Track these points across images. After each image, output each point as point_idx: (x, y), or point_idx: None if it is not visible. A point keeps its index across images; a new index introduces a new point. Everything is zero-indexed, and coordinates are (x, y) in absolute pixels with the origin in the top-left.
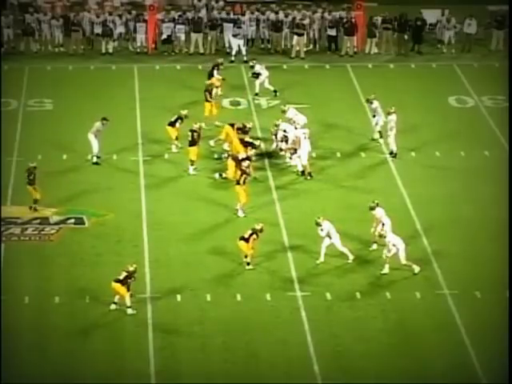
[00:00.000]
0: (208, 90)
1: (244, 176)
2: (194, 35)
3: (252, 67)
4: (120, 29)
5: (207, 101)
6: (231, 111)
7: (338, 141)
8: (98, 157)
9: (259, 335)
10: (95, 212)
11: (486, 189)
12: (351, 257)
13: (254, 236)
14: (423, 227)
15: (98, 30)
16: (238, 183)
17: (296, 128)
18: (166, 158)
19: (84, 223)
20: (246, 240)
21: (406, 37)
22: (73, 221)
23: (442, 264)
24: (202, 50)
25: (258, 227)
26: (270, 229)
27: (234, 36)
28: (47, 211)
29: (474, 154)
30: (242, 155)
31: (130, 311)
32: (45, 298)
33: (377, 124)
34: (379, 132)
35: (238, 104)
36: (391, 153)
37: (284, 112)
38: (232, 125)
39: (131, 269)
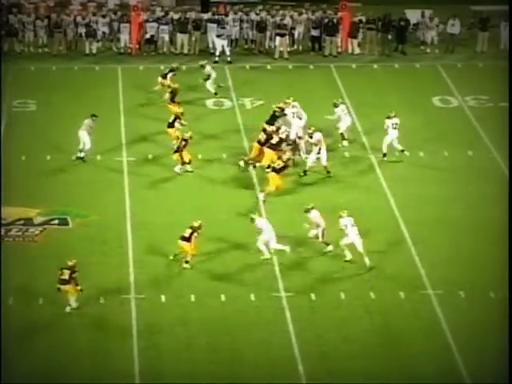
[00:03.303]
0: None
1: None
2: (179, 35)
3: (202, 67)
4: (104, 29)
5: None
6: (215, 111)
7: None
8: (84, 153)
9: (243, 336)
10: (79, 213)
11: (469, 189)
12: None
13: (195, 234)
14: (407, 227)
15: (82, 30)
16: (275, 170)
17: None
18: (150, 158)
19: (68, 224)
20: (188, 239)
21: (389, 37)
22: (57, 221)
23: (426, 264)
24: (186, 51)
25: (196, 224)
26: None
27: (218, 36)
28: (31, 212)
29: (458, 154)
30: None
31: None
32: (29, 299)
33: (339, 128)
34: (342, 134)
35: (222, 104)
36: (384, 155)
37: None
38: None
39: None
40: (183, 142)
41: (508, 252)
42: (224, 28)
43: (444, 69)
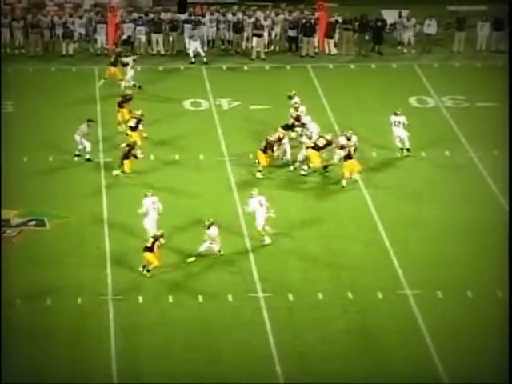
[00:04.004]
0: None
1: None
2: (154, 36)
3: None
4: (80, 30)
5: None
6: (193, 112)
7: (298, 141)
8: (80, 154)
9: (221, 336)
10: (56, 214)
11: (447, 188)
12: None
13: (157, 243)
14: (384, 227)
15: (59, 31)
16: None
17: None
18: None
19: (45, 225)
20: (150, 249)
21: (366, 37)
22: (34, 223)
23: (404, 264)
24: (162, 51)
25: (158, 233)
26: (231, 228)
27: (190, 37)
28: (8, 213)
29: (435, 154)
30: (320, 142)
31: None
32: (6, 300)
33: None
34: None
35: (199, 105)
36: (402, 149)
37: (296, 109)
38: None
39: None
40: (128, 147)
41: (508, 253)
42: (195, 29)
43: (421, 69)
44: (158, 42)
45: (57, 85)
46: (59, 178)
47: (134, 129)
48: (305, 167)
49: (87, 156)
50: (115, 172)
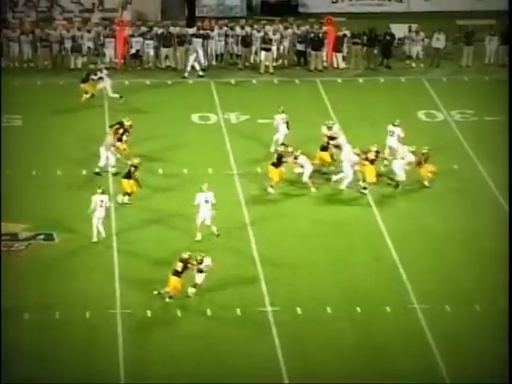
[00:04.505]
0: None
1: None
2: (163, 50)
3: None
4: (89, 44)
5: None
6: (201, 126)
7: (308, 155)
8: (98, 173)
9: (229, 350)
10: (65, 228)
11: (455, 202)
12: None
13: (190, 266)
14: (393, 240)
15: (68, 45)
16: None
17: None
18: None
19: (54, 239)
20: (179, 273)
21: (375, 51)
22: (42, 237)
23: (412, 277)
24: (173, 65)
25: (185, 256)
26: (240, 243)
27: (187, 51)
28: (17, 227)
29: (444, 168)
30: (371, 155)
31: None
32: (15, 314)
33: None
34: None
35: (208, 119)
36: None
37: (330, 128)
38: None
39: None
40: (132, 168)
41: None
42: (191, 44)
43: (429, 83)
44: (167, 56)
45: (65, 98)
46: (68, 191)
47: (119, 140)
48: (361, 183)
49: (113, 169)
50: (120, 198)
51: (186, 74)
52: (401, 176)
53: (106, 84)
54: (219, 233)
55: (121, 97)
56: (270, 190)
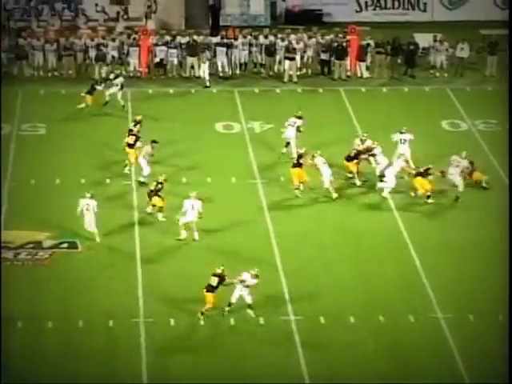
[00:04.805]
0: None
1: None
2: (189, 59)
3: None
4: (113, 53)
5: None
6: (224, 135)
7: (333, 165)
8: (145, 177)
9: (252, 358)
10: (88, 236)
11: (479, 212)
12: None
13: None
14: (416, 249)
15: (92, 54)
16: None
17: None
18: (160, 180)
19: (77, 247)
20: (214, 289)
21: (398, 61)
22: (66, 245)
23: (436, 287)
24: (198, 74)
25: (219, 271)
26: (263, 251)
27: (199, 60)
28: (40, 235)
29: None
30: (422, 168)
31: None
32: (38, 322)
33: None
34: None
35: (231, 128)
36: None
37: (363, 141)
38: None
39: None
40: (159, 186)
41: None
42: (204, 52)
43: (453, 93)
44: (192, 65)
45: (89, 107)
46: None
47: (131, 146)
48: (413, 194)
49: (142, 179)
50: (149, 210)
51: (208, 83)
52: (460, 186)
53: (117, 91)
54: (197, 239)
55: (123, 106)
56: (295, 192)
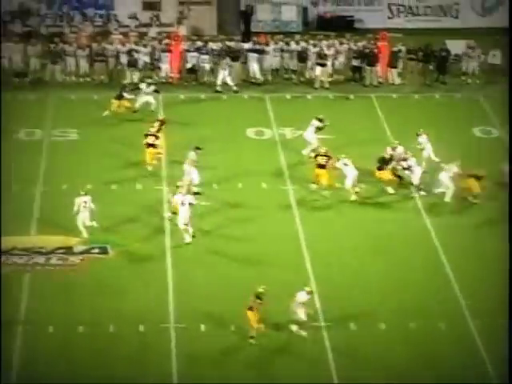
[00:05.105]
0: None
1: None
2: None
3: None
4: (145, 58)
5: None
6: (256, 141)
7: (363, 172)
8: (196, 186)
9: (283, 365)
10: (119, 242)
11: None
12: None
13: (259, 301)
14: (446, 256)
15: (124, 59)
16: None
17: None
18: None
19: (108, 253)
20: (251, 308)
21: (430, 67)
22: (97, 250)
23: (466, 292)
24: (221, 81)
25: (261, 290)
26: (294, 256)
27: (219, 66)
28: (71, 240)
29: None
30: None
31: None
32: (69, 327)
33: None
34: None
35: (263, 134)
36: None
37: (394, 149)
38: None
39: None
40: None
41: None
42: (224, 58)
43: (485, 99)
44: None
45: (121, 112)
46: (122, 205)
47: (151, 145)
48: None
49: (195, 189)
50: (167, 215)
51: (219, 88)
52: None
53: (150, 99)
54: (194, 235)
55: (152, 110)
56: (324, 193)
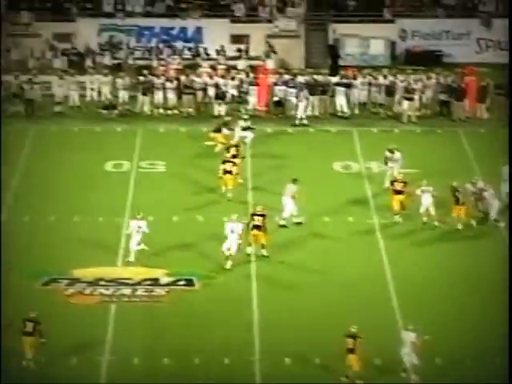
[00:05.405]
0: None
1: None
2: (310, 98)
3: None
4: (232, 91)
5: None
6: (343, 175)
7: (445, 208)
8: (284, 220)
9: None
10: (205, 273)
11: None
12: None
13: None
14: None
15: (211, 92)
16: None
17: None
18: (276, 220)
19: (194, 285)
20: (353, 351)
21: None
22: (183, 282)
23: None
24: (316, 113)
25: (353, 330)
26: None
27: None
28: (158, 272)
29: None
30: None
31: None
32: (154, 358)
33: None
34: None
35: (350, 168)
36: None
37: (474, 184)
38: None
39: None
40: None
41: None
42: (302, 91)
43: None
44: (313, 104)
45: (209, 146)
46: (207, 237)
47: (227, 172)
48: None
49: (295, 220)
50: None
51: (297, 122)
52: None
53: (247, 134)
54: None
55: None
56: (395, 218)
